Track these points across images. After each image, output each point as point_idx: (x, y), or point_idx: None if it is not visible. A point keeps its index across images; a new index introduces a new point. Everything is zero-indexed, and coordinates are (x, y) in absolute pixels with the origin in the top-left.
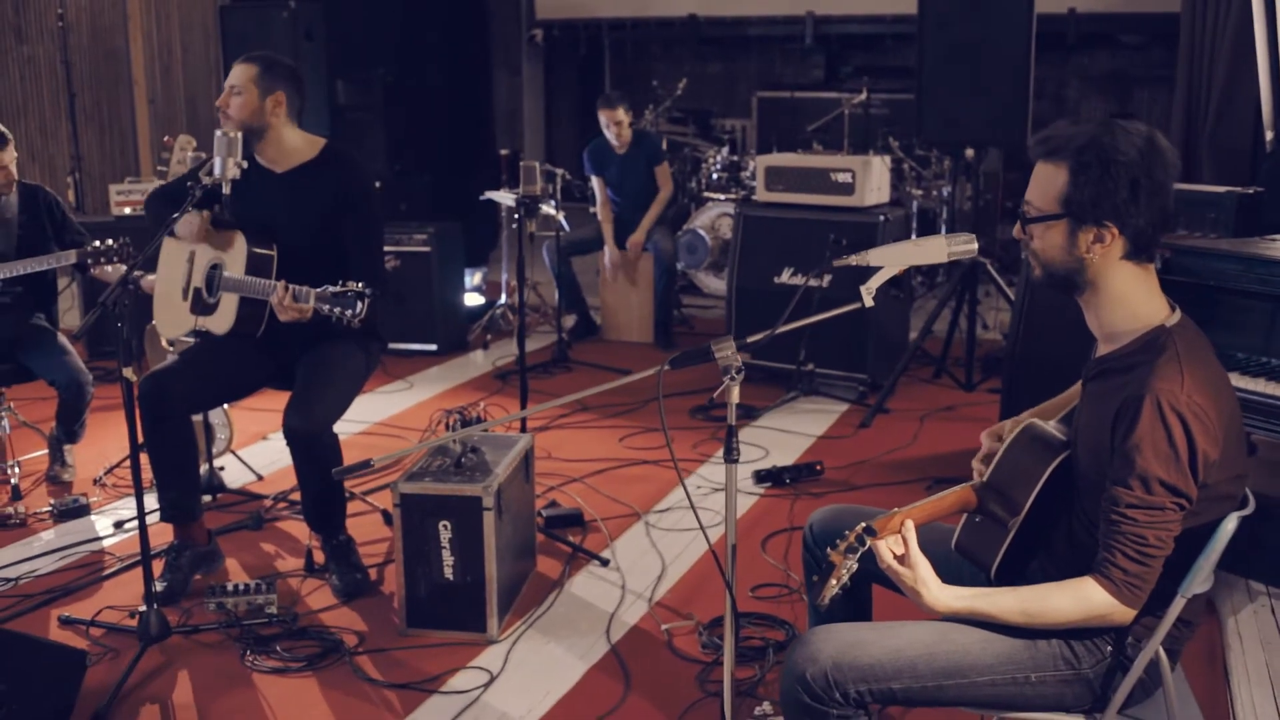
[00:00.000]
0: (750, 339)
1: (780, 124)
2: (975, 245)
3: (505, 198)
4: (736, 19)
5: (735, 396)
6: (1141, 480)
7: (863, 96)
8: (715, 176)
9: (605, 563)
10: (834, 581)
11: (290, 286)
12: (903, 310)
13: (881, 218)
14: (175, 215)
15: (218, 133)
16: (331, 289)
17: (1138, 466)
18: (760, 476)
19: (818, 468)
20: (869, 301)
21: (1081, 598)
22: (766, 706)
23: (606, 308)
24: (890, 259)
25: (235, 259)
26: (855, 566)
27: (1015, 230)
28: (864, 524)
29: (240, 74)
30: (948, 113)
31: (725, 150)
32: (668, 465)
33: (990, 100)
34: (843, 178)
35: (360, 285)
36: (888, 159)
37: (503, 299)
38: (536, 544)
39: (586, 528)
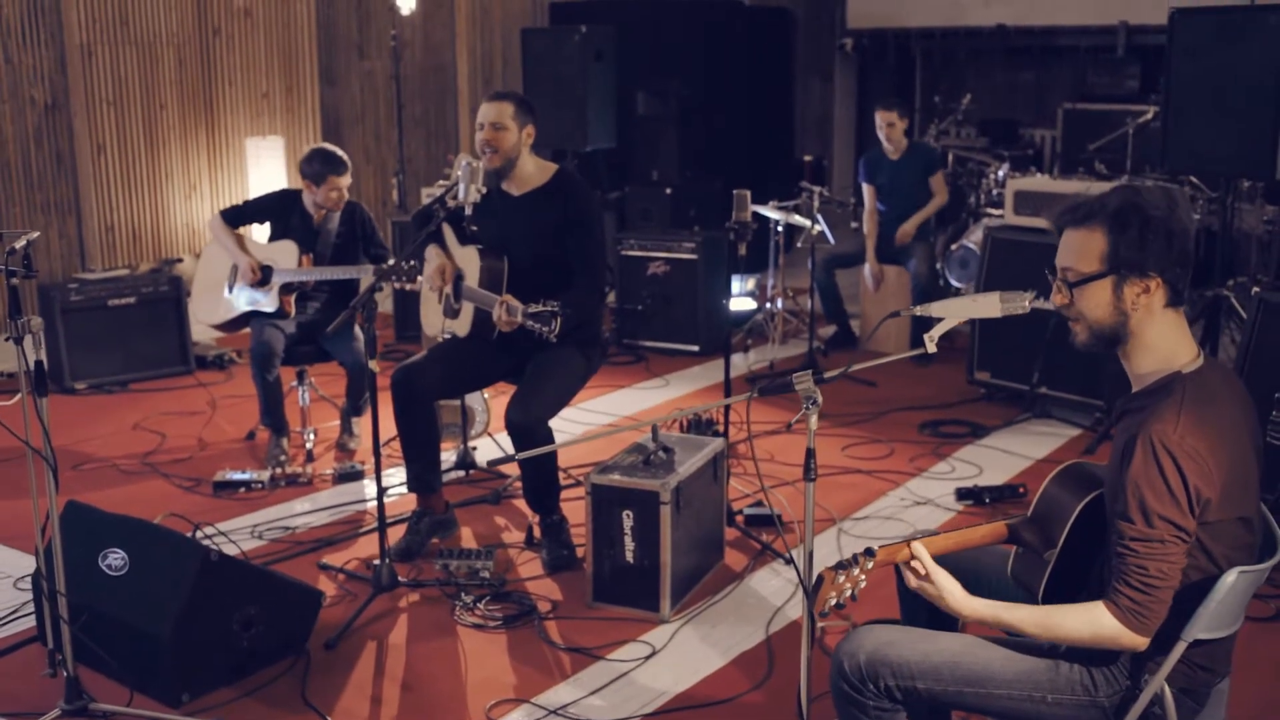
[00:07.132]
0: (827, 374)
1: (1086, 135)
2: (1028, 302)
3: (767, 210)
4: (1046, 29)
5: (814, 424)
6: (1142, 514)
7: (1149, 115)
8: (995, 192)
9: (789, 561)
10: (833, 595)
11: (505, 303)
12: None
13: None
14: (424, 231)
15: (463, 160)
16: (534, 308)
17: (1136, 501)
18: (961, 494)
19: (1020, 490)
20: (931, 348)
21: (1091, 620)
22: None
23: (866, 319)
24: (950, 311)
25: (472, 272)
26: (860, 584)
27: (1055, 297)
28: (867, 547)
29: (500, 111)
30: (1194, 140)
31: (1006, 166)
32: (880, 475)
33: (1239, 128)
34: None
35: (555, 305)
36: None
37: (765, 305)
38: (726, 539)
39: (783, 529)
